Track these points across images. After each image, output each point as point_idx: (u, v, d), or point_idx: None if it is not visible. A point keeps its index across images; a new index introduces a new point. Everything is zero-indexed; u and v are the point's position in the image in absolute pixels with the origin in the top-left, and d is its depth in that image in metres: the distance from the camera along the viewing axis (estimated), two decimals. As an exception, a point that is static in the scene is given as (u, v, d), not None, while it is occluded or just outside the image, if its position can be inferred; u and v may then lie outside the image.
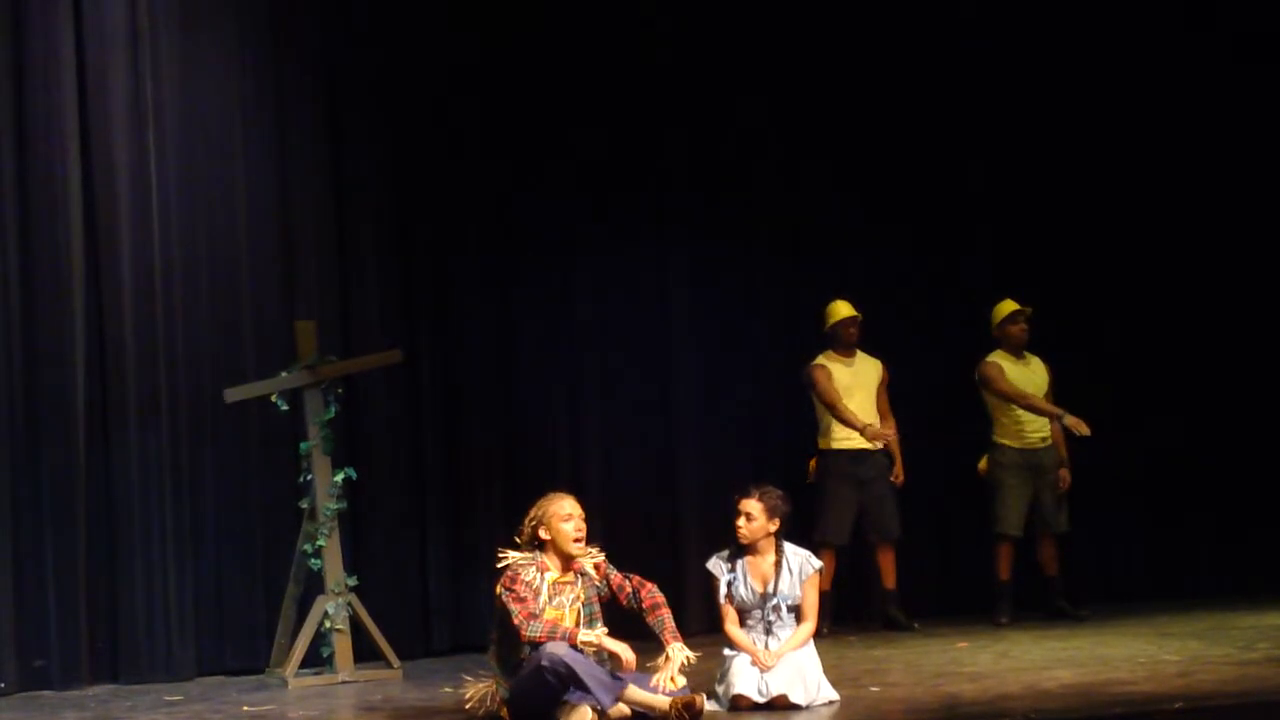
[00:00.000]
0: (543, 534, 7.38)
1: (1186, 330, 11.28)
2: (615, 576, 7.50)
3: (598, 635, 7.23)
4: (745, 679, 7.57)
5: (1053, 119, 11.14)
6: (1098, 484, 10.74)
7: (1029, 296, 10.43)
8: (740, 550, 7.78)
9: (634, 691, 7.20)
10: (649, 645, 7.50)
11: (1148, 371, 11.19)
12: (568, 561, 7.42)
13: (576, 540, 7.38)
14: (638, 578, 7.52)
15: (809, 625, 7.75)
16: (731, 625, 7.75)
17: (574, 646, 7.16)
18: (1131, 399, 11.05)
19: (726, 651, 7.75)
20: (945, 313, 10.83)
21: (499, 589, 7.33)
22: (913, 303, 10.83)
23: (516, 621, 7.18)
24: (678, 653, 7.32)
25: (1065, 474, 10.37)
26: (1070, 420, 9.96)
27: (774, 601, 7.70)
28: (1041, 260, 11.01)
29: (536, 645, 7.18)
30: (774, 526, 7.72)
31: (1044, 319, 10.46)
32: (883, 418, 10.27)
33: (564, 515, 7.38)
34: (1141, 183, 11.27)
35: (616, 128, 10.39)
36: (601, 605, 7.48)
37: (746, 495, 7.74)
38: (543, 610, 7.28)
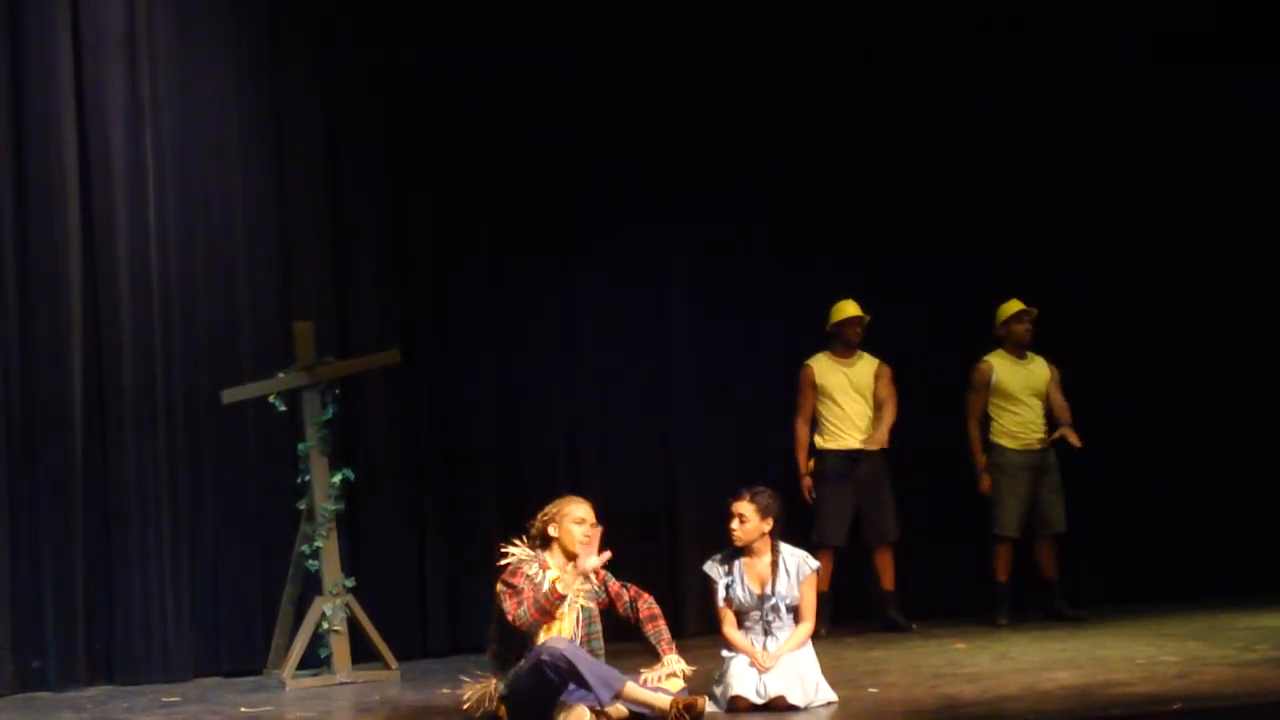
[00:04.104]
0: (552, 531, 7.41)
1: (1188, 329, 11.26)
2: (613, 584, 7.52)
3: (571, 572, 7.24)
4: (743, 680, 7.56)
5: (1058, 117, 11.13)
6: (1096, 484, 10.74)
7: (1031, 295, 10.43)
8: (736, 552, 7.78)
9: (634, 690, 7.20)
10: (643, 648, 7.52)
11: (1148, 371, 11.17)
12: (570, 563, 7.41)
13: (583, 544, 7.38)
14: (635, 587, 7.55)
15: (807, 626, 7.74)
16: (729, 628, 7.75)
17: (569, 646, 7.15)
18: (1132, 399, 11.03)
19: (724, 653, 7.75)
20: (945, 312, 10.81)
21: (499, 584, 7.34)
22: (913, 302, 10.81)
23: (510, 617, 7.20)
24: (674, 664, 7.36)
25: (1068, 431, 10.27)
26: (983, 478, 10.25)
27: (772, 601, 7.69)
28: (1044, 258, 11.00)
29: (533, 631, 7.19)
30: (767, 526, 7.72)
31: (1046, 318, 10.46)
32: (880, 406, 10.22)
33: (577, 518, 7.43)
34: (1152, 180, 11.25)
35: (615, 127, 10.37)
36: (599, 612, 7.48)
37: (738, 497, 7.74)
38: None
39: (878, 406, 10.24)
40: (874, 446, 10.16)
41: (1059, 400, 10.42)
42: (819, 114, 10.79)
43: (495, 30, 10.15)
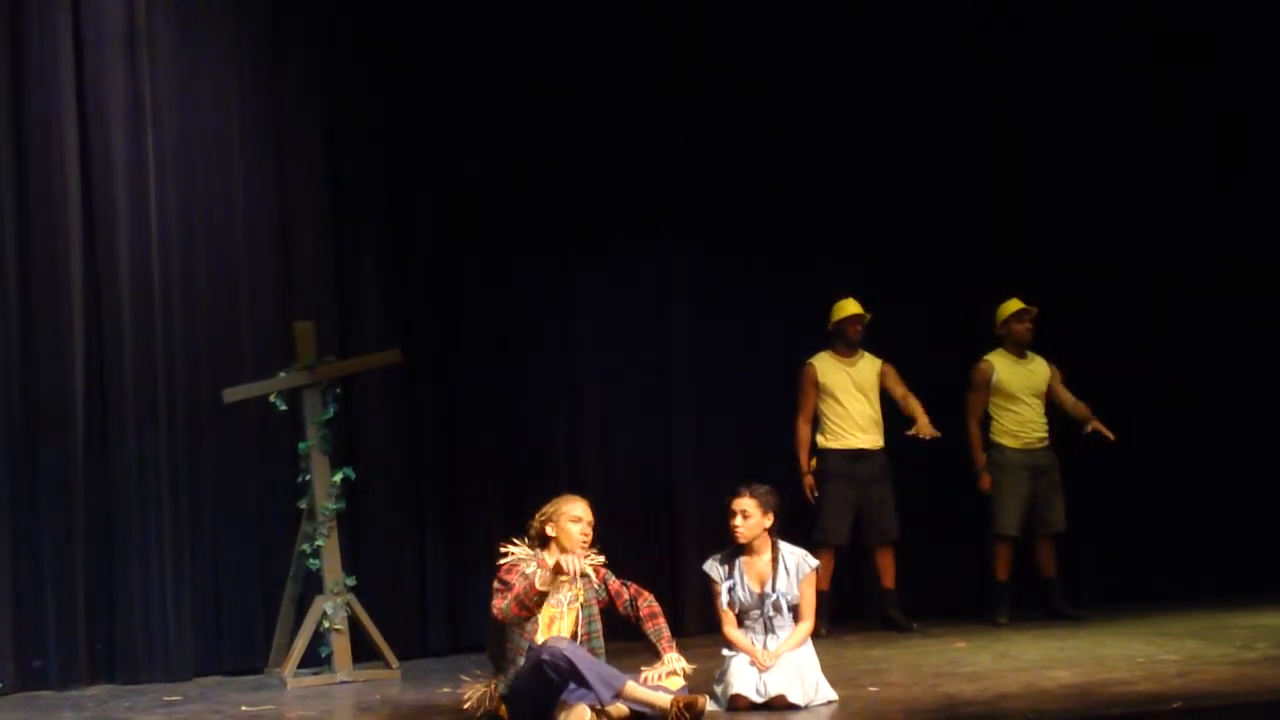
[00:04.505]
0: (549, 530, 7.43)
1: (1189, 329, 11.27)
2: (614, 582, 7.53)
3: (548, 563, 7.16)
4: (743, 679, 7.57)
5: (1058, 118, 11.13)
6: (1096, 483, 10.75)
7: (1030, 295, 10.44)
8: (736, 551, 7.79)
9: (634, 689, 7.20)
10: (643, 647, 7.53)
11: (1148, 371, 11.17)
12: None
13: (580, 543, 7.40)
14: (635, 585, 7.56)
15: (807, 624, 7.75)
16: (730, 628, 7.76)
17: (569, 645, 7.16)
18: (1132, 397, 11.02)
19: (725, 652, 7.76)
20: (946, 312, 10.82)
21: (496, 576, 7.35)
22: (913, 301, 10.82)
23: (495, 611, 7.20)
24: (674, 662, 7.39)
25: (1097, 424, 10.31)
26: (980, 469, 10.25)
27: (773, 598, 7.70)
28: (1044, 258, 11.00)
29: (516, 622, 7.21)
30: (769, 522, 7.74)
31: (1046, 317, 10.47)
32: (899, 401, 10.24)
33: (573, 517, 7.44)
34: (1152, 180, 11.25)
35: (615, 127, 10.37)
36: (599, 611, 7.49)
37: (738, 495, 7.75)
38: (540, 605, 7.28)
39: (900, 401, 10.23)
40: (927, 435, 10.10)
41: (1070, 398, 10.43)
42: (819, 114, 10.78)
43: (495, 30, 10.14)
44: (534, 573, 7.24)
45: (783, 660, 7.61)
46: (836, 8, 10.79)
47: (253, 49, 9.69)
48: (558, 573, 7.10)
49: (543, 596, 7.20)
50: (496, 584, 7.32)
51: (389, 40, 9.98)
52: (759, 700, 7.55)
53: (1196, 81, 11.29)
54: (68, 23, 9.22)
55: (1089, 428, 10.34)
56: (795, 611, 7.76)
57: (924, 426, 10.12)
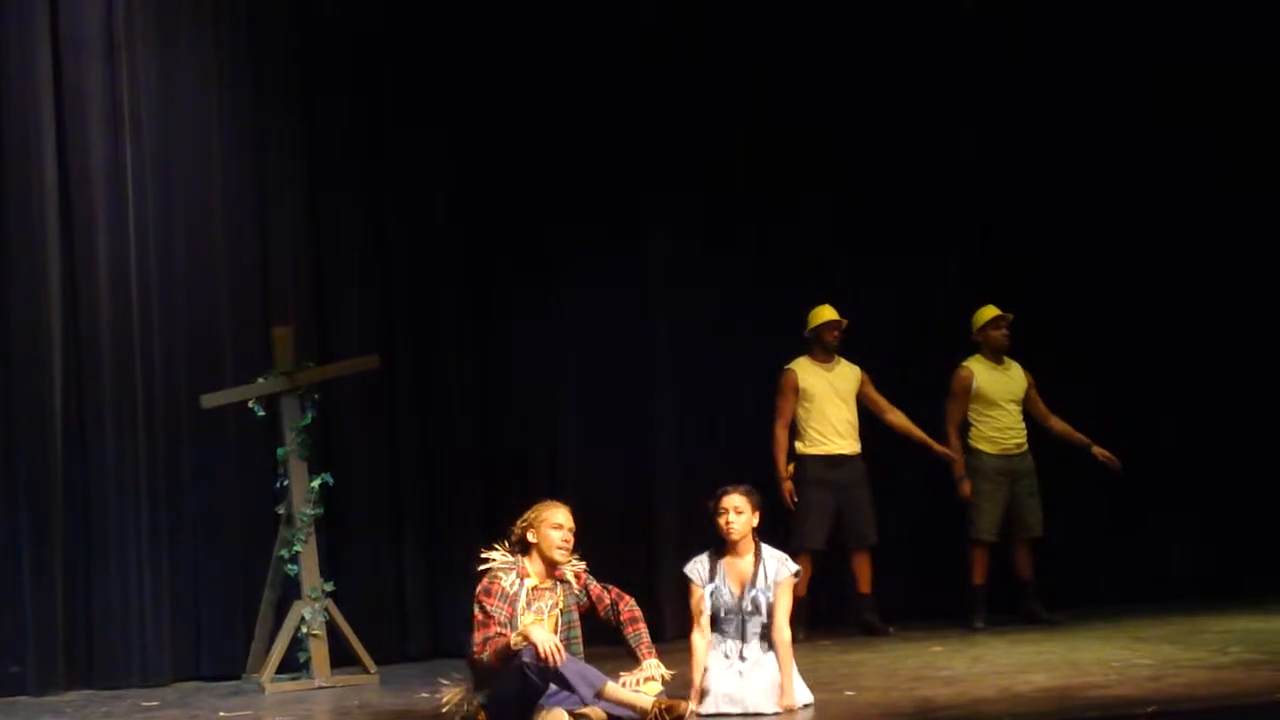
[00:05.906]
0: (530, 537, 7.43)
1: (1168, 332, 11.31)
2: (595, 587, 7.53)
3: (524, 624, 7.18)
4: (719, 689, 7.54)
5: (1042, 118, 11.18)
6: (1071, 488, 10.78)
7: (1009, 298, 10.47)
8: (719, 553, 7.76)
9: (615, 689, 7.21)
10: (623, 653, 7.55)
11: (1124, 373, 11.21)
12: (549, 568, 7.45)
13: (560, 549, 7.42)
14: (616, 589, 7.56)
15: (787, 639, 7.64)
16: (698, 635, 7.66)
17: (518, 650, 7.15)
18: (1107, 401, 11.06)
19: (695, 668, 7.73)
20: (925, 317, 10.85)
21: (475, 603, 7.34)
22: (894, 306, 10.85)
23: (476, 653, 7.21)
24: (653, 668, 7.38)
25: (1101, 450, 10.39)
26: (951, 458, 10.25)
27: (753, 594, 7.67)
28: (1022, 261, 11.04)
29: (489, 669, 7.22)
30: (756, 519, 7.71)
31: (1025, 321, 10.50)
32: (884, 412, 10.29)
33: (554, 523, 7.43)
34: (1129, 184, 11.30)
35: (599, 129, 10.38)
36: (580, 615, 7.51)
37: (728, 493, 7.69)
38: (520, 614, 7.29)
39: (890, 416, 10.28)
40: (941, 447, 10.23)
41: (1053, 418, 10.44)
42: (805, 114, 10.79)
43: (482, 30, 10.13)
44: (516, 587, 7.28)
45: (760, 671, 7.56)
46: (834, 7, 10.80)
47: (232, 54, 9.69)
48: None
49: (516, 655, 7.17)
50: (478, 611, 7.27)
51: (369, 43, 9.98)
52: (735, 711, 7.53)
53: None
54: (46, 28, 9.22)
55: (1096, 454, 10.39)
56: (769, 613, 7.69)
57: (938, 446, 10.22)
